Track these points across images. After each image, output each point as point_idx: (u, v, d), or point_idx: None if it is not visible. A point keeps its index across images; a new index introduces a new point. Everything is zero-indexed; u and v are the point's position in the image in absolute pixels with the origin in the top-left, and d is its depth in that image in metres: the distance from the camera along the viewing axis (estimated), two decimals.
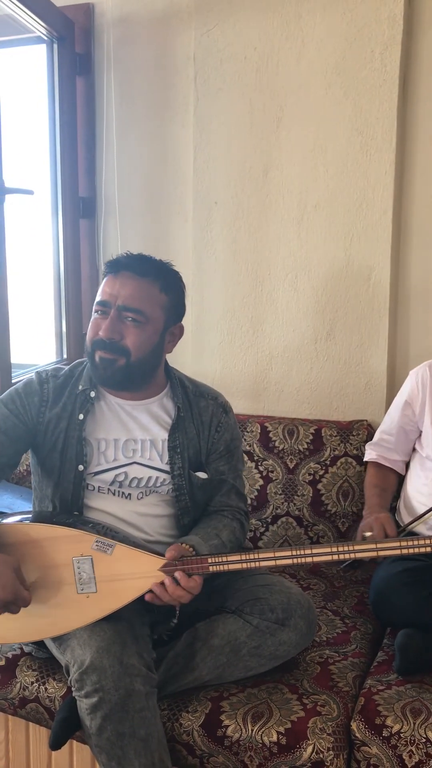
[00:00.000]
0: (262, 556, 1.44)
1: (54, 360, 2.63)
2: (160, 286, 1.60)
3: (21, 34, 2.43)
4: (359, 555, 1.44)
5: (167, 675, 1.53)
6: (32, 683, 1.63)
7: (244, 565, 1.44)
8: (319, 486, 2.18)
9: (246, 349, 2.45)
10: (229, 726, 1.47)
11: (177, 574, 1.43)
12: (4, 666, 1.67)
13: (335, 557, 1.43)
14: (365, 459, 2.06)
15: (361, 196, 2.23)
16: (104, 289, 1.60)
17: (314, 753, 1.41)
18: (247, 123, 2.32)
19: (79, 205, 2.57)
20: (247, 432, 2.25)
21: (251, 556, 1.44)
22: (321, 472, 2.18)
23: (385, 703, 1.47)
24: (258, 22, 2.25)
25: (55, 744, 1.50)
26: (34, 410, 1.62)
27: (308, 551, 1.43)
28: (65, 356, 2.63)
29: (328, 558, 1.43)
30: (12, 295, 2.19)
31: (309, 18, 2.20)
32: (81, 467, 1.61)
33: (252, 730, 1.45)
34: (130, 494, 1.63)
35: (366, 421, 2.23)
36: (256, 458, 2.23)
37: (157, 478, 1.64)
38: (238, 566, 1.45)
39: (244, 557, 1.44)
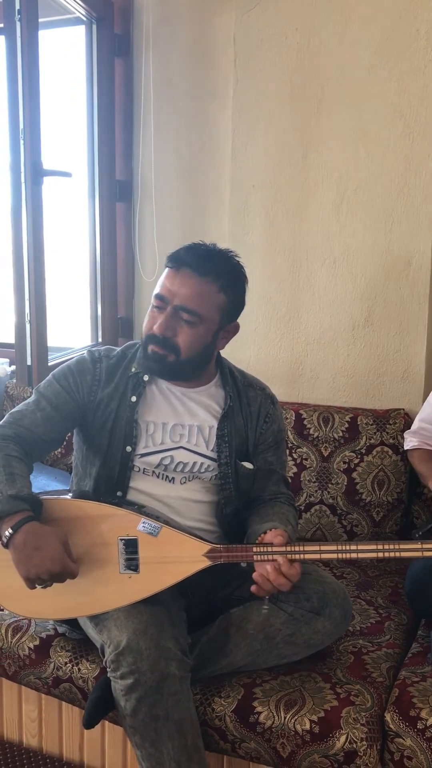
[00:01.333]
0: (307, 548, 1.42)
1: (89, 343, 2.64)
2: (220, 286, 1.57)
3: (60, 15, 2.42)
4: (405, 554, 1.41)
5: (201, 659, 1.54)
6: (66, 663, 1.64)
7: (289, 556, 1.42)
8: (354, 475, 2.16)
9: (282, 335, 2.42)
10: (261, 713, 1.47)
11: (280, 560, 1.41)
12: (39, 646, 1.68)
13: (380, 555, 1.41)
14: (406, 447, 2.02)
15: (402, 180, 2.19)
16: (164, 283, 1.57)
17: (347, 743, 1.40)
18: (287, 105, 2.28)
19: (116, 188, 2.57)
20: (286, 431, 2.23)
21: (295, 548, 1.42)
22: (356, 461, 2.16)
23: (420, 695, 1.45)
24: (299, 2, 2.21)
25: (89, 723, 1.52)
26: (86, 388, 1.63)
27: (353, 547, 1.41)
28: (100, 339, 2.64)
29: (373, 555, 1.41)
30: (49, 278, 2.20)
31: None
32: (129, 448, 1.61)
33: (285, 718, 1.45)
34: (173, 478, 1.64)
35: (403, 410, 2.20)
36: (290, 445, 2.22)
37: (201, 464, 1.64)
38: (281, 557, 1.43)
39: (288, 548, 1.42)
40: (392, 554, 1.41)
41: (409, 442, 2.00)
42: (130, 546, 1.48)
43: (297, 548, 1.43)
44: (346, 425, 2.19)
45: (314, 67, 2.23)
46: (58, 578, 1.40)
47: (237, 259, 1.64)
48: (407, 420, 2.15)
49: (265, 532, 1.49)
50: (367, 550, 1.42)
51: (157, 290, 1.58)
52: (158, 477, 1.64)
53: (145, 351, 1.60)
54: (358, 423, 2.18)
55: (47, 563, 1.37)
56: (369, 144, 2.21)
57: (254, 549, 1.44)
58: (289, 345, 2.42)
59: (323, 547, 1.43)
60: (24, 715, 1.84)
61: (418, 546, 1.40)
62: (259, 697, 1.49)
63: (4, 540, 1.40)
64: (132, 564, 1.48)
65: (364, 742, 1.40)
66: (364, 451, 2.16)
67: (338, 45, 2.19)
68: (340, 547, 1.42)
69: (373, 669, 1.56)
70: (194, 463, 1.63)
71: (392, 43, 2.13)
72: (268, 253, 2.39)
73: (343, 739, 1.41)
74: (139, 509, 1.55)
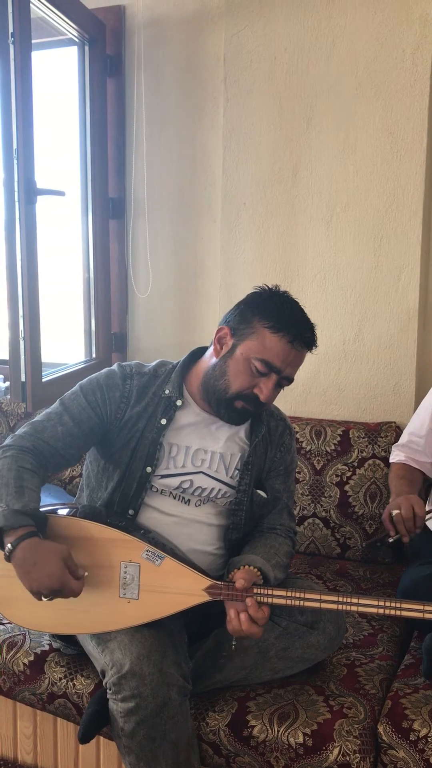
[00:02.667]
0: (307, 596, 1.42)
1: (83, 359, 2.66)
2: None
3: (53, 37, 2.45)
4: (405, 614, 1.39)
5: (195, 674, 1.54)
6: (60, 679, 1.65)
7: (288, 602, 1.42)
8: (347, 488, 2.18)
9: None
10: (255, 726, 1.47)
11: (248, 602, 1.40)
12: (33, 662, 1.69)
13: (380, 611, 1.40)
14: (392, 460, 2.03)
15: (390, 197, 2.22)
16: (279, 355, 1.52)
17: (340, 755, 1.41)
18: (277, 124, 2.32)
19: (109, 205, 2.60)
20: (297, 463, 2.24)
21: (297, 595, 1.42)
22: (348, 474, 2.18)
23: (413, 707, 1.46)
24: (288, 23, 2.25)
25: (84, 737, 1.52)
26: (113, 406, 1.60)
27: (354, 600, 1.40)
28: (94, 355, 2.65)
29: (374, 611, 1.40)
30: (43, 295, 2.22)
31: (339, 18, 2.19)
32: (149, 469, 1.60)
33: (278, 731, 1.45)
34: (189, 500, 1.63)
35: (395, 422, 2.22)
36: (296, 477, 2.23)
37: (219, 489, 1.63)
38: (282, 602, 1.43)
39: (289, 594, 1.42)
40: (393, 612, 1.39)
41: (396, 456, 2.01)
42: (132, 571, 1.48)
43: (297, 594, 1.42)
44: (338, 438, 2.21)
45: (303, 87, 2.27)
46: (59, 594, 1.39)
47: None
48: (398, 432, 2.17)
49: (239, 568, 1.48)
50: (368, 605, 1.40)
51: (268, 357, 1.51)
52: (174, 498, 1.63)
53: (229, 403, 1.56)
54: (350, 436, 2.20)
55: (45, 579, 1.36)
56: (357, 161, 2.24)
57: (254, 590, 1.43)
58: None
59: (324, 597, 1.42)
60: (19, 731, 1.84)
61: (420, 607, 1.39)
62: (253, 711, 1.50)
63: (6, 554, 1.40)
64: (132, 590, 1.48)
65: (358, 755, 1.41)
66: (356, 464, 2.18)
67: (326, 65, 2.23)
68: (324, 597, 1.41)
69: (366, 681, 1.57)
70: (212, 489, 1.63)
71: (379, 63, 2.17)
72: (259, 269, 2.42)
73: (336, 751, 1.41)
74: (145, 535, 1.55)
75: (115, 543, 1.49)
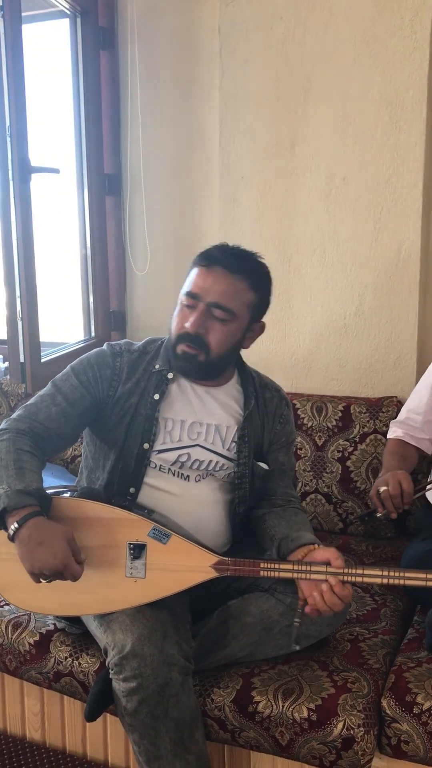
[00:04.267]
0: (314, 568, 1.43)
1: (83, 338, 2.65)
2: (250, 284, 1.57)
3: (44, 9, 2.40)
4: (409, 582, 1.42)
5: (200, 651, 1.55)
6: (66, 658, 1.66)
7: (295, 575, 1.44)
8: (348, 463, 2.17)
9: (273, 325, 2.43)
10: (260, 702, 1.49)
11: (331, 581, 1.41)
12: (39, 641, 1.70)
13: (384, 581, 1.42)
14: (389, 436, 2.02)
15: (390, 168, 2.19)
16: (196, 281, 1.56)
17: (345, 729, 1.42)
18: (274, 96, 2.28)
19: (105, 181, 2.57)
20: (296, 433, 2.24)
21: (304, 567, 1.44)
22: (350, 449, 2.17)
23: (416, 681, 1.47)
24: None
25: (90, 716, 1.54)
26: (105, 384, 1.62)
27: (359, 571, 1.42)
28: (93, 334, 2.64)
29: (377, 581, 1.42)
30: (40, 274, 2.20)
31: None
32: (146, 445, 1.61)
33: (283, 707, 1.47)
34: (188, 476, 1.64)
35: (396, 397, 2.21)
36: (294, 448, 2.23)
37: (217, 462, 1.64)
38: (288, 575, 1.44)
39: (296, 567, 1.44)
40: (397, 581, 1.42)
41: (393, 432, 2.00)
42: (138, 551, 1.48)
43: (304, 567, 1.44)
44: (340, 414, 2.20)
45: (300, 57, 2.23)
46: (60, 575, 1.39)
47: (263, 260, 1.64)
48: (400, 407, 2.16)
49: (304, 544, 1.50)
50: (372, 575, 1.42)
51: (187, 288, 1.57)
52: (174, 474, 1.63)
53: (174, 350, 1.59)
54: (352, 411, 2.19)
55: (49, 559, 1.36)
56: (356, 133, 2.21)
57: (261, 564, 1.44)
58: (281, 335, 2.42)
59: (329, 569, 1.43)
60: (26, 709, 1.86)
61: (423, 575, 1.40)
62: (258, 687, 1.51)
63: (10, 533, 1.40)
64: (138, 569, 1.48)
65: (362, 728, 1.42)
66: (357, 440, 2.17)
67: (323, 34, 2.19)
68: (329, 569, 1.42)
69: (369, 656, 1.58)
70: (210, 461, 1.64)
71: (377, 31, 2.13)
72: (258, 243, 2.37)
73: (340, 725, 1.42)
74: (149, 515, 1.55)
75: (121, 522, 1.50)
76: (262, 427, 1.69)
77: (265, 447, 1.70)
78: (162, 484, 1.63)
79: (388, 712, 1.45)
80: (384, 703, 1.46)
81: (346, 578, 1.42)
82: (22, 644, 1.71)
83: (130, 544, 1.49)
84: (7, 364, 2.76)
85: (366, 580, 1.43)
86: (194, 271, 1.58)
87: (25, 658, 1.71)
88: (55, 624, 1.73)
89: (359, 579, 1.42)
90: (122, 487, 1.63)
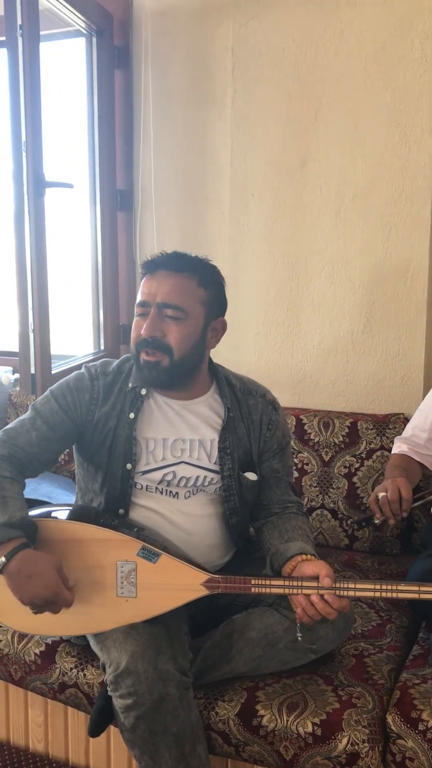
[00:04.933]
0: (305, 584, 1.43)
1: (92, 351, 2.67)
2: (198, 281, 1.59)
3: (61, 28, 2.45)
4: (402, 595, 1.42)
5: (204, 665, 1.55)
6: (71, 669, 1.67)
7: (286, 591, 1.43)
8: (355, 479, 2.18)
9: (282, 341, 2.45)
10: (264, 716, 1.49)
11: (327, 596, 1.40)
12: (45, 651, 1.71)
13: (377, 594, 1.41)
14: (394, 451, 2.02)
15: (399, 188, 2.21)
16: (143, 290, 1.59)
17: (349, 744, 1.42)
18: (285, 115, 2.31)
19: (117, 197, 2.60)
20: (290, 435, 2.25)
21: (295, 584, 1.43)
22: (356, 465, 2.18)
23: (421, 697, 1.47)
24: (296, 14, 2.24)
25: (94, 732, 1.54)
26: (83, 408, 1.62)
27: (351, 585, 1.41)
28: (102, 347, 2.66)
29: (370, 594, 1.41)
30: (51, 287, 2.23)
31: (348, 9, 2.18)
32: (129, 466, 1.60)
33: (287, 721, 1.47)
34: (177, 493, 1.63)
35: (403, 414, 2.22)
36: (291, 450, 2.24)
37: (204, 477, 1.63)
38: (279, 591, 1.44)
39: (287, 584, 1.43)
40: (389, 594, 1.41)
41: (398, 447, 2.00)
42: (129, 571, 1.49)
43: (295, 583, 1.43)
44: (347, 430, 2.21)
45: (311, 77, 2.26)
46: (52, 605, 1.40)
47: (210, 261, 1.65)
48: (407, 424, 2.17)
49: (292, 557, 1.50)
50: (364, 589, 1.42)
51: (138, 299, 1.59)
52: (162, 493, 1.62)
53: (137, 363, 1.59)
54: (358, 428, 2.20)
55: (40, 590, 1.38)
56: (366, 152, 2.23)
57: (252, 581, 1.44)
58: (289, 351, 2.44)
59: (305, 583, 1.43)
60: (30, 720, 1.86)
61: (416, 588, 1.40)
62: (262, 701, 1.51)
63: None
64: (129, 588, 1.48)
65: (366, 744, 1.42)
66: (364, 456, 2.18)
67: (335, 55, 2.22)
68: (321, 584, 1.42)
69: (374, 671, 1.58)
70: (197, 477, 1.63)
71: (388, 53, 2.16)
72: (267, 260, 2.42)
73: (345, 741, 1.42)
74: (139, 533, 1.54)
75: (109, 543, 1.50)
76: (248, 436, 1.67)
77: (256, 456, 1.68)
78: (151, 503, 1.62)
79: (393, 728, 1.45)
80: (389, 719, 1.46)
81: (338, 593, 1.41)
82: (27, 654, 1.72)
83: (119, 563, 1.49)
84: (17, 375, 2.79)
85: (359, 594, 1.42)
86: (141, 282, 1.60)
87: (31, 668, 1.71)
88: (61, 636, 1.73)
89: (351, 593, 1.41)
90: (112, 509, 1.63)
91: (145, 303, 1.57)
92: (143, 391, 1.63)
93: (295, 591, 1.43)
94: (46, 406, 1.62)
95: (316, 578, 1.43)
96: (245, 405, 1.68)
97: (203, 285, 1.59)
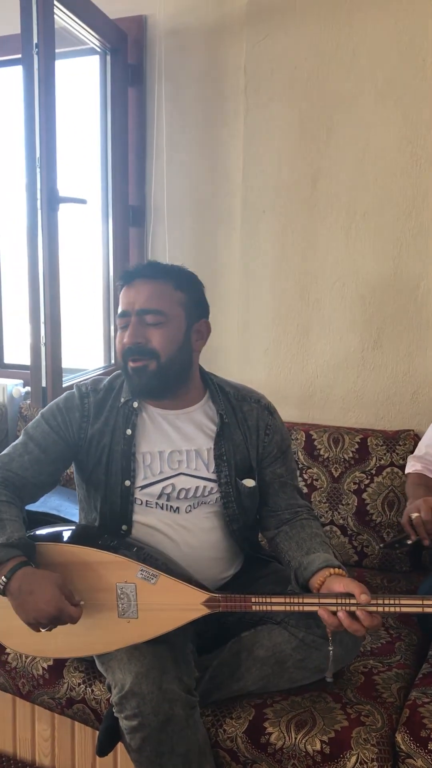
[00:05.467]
0: (306, 600, 1.41)
1: (102, 365, 2.68)
2: (174, 285, 1.59)
3: (75, 46, 2.48)
4: (405, 610, 1.39)
5: (212, 683, 1.54)
6: (79, 684, 1.66)
7: (287, 608, 1.41)
8: (364, 495, 2.18)
9: (292, 356, 2.46)
10: (272, 733, 1.48)
11: (359, 613, 1.35)
12: (53, 666, 1.70)
13: (379, 609, 1.37)
14: (408, 471, 2.03)
15: (410, 205, 2.22)
16: (122, 301, 1.60)
17: (358, 763, 1.41)
18: (297, 133, 2.33)
19: (129, 213, 2.62)
20: (292, 440, 2.26)
21: (295, 600, 1.41)
22: (366, 482, 2.18)
23: (431, 716, 1.46)
24: (309, 33, 2.26)
25: (101, 751, 1.53)
26: (75, 426, 1.62)
27: (353, 600, 1.38)
28: (113, 361, 2.67)
29: (372, 609, 1.37)
30: (63, 301, 2.24)
31: (360, 28, 2.21)
32: (128, 482, 1.60)
33: (295, 738, 1.46)
34: (178, 507, 1.61)
35: (413, 431, 2.22)
36: (300, 466, 2.24)
37: (204, 487, 1.62)
38: (281, 608, 1.42)
39: (287, 600, 1.42)
40: (392, 609, 1.38)
41: (412, 466, 2.00)
42: (129, 592, 1.48)
43: (296, 600, 1.41)
44: (356, 446, 2.21)
45: (323, 96, 2.28)
46: (57, 621, 1.39)
47: (185, 268, 1.66)
48: (417, 441, 2.17)
49: (319, 570, 1.46)
50: (372, 604, 1.38)
51: (119, 311, 1.61)
52: (162, 508, 1.61)
53: (126, 373, 1.59)
54: (368, 444, 2.20)
55: (43, 607, 1.36)
56: (377, 170, 2.25)
57: (253, 599, 1.43)
58: (299, 366, 2.45)
59: (322, 600, 1.40)
60: (37, 734, 1.85)
61: (419, 602, 1.38)
62: (270, 718, 1.50)
63: (0, 588, 1.40)
64: (130, 610, 1.48)
65: (375, 763, 1.41)
66: (374, 472, 2.18)
67: (346, 74, 2.24)
68: (322, 600, 1.40)
69: (383, 689, 1.57)
70: (197, 488, 1.62)
71: (399, 73, 2.18)
72: (278, 276, 2.43)
73: (354, 759, 1.41)
74: (139, 551, 1.53)
75: (108, 566, 1.49)
76: (245, 442, 1.66)
77: (255, 462, 1.67)
78: (151, 521, 1.61)
79: (402, 747, 1.44)
80: (398, 737, 1.45)
81: (341, 608, 1.37)
82: (35, 668, 1.72)
83: (119, 585, 1.48)
84: (27, 389, 2.81)
85: (360, 609, 1.38)
86: (121, 294, 1.62)
87: (39, 682, 1.71)
88: (65, 657, 1.73)
89: (354, 608, 1.38)
90: (114, 526, 1.62)
91: (126, 313, 1.59)
92: (135, 404, 1.63)
93: (296, 608, 1.41)
94: (38, 429, 1.62)
95: (317, 596, 1.41)
96: (240, 411, 1.68)
97: (180, 288, 1.60)
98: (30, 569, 1.41)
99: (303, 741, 1.45)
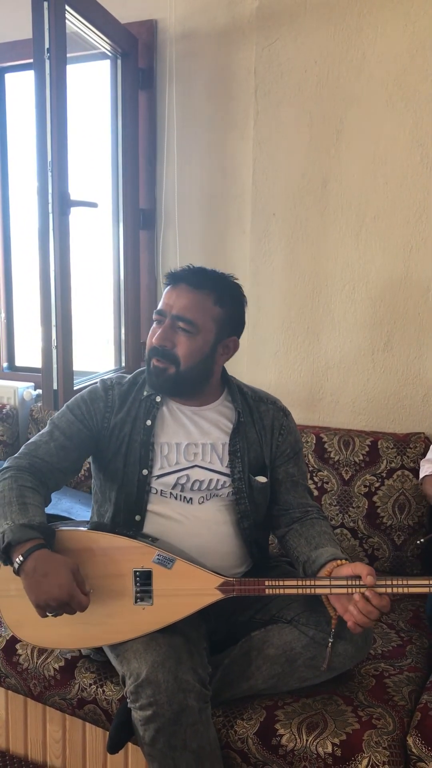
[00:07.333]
0: (317, 583, 1.44)
1: (113, 368, 2.69)
2: (214, 299, 1.63)
3: (87, 51, 2.49)
4: (413, 590, 1.41)
5: (222, 682, 1.55)
6: (90, 685, 1.67)
7: (300, 591, 1.44)
8: (375, 498, 2.17)
9: (302, 359, 2.46)
10: (283, 735, 1.48)
11: (368, 593, 1.40)
12: (64, 667, 1.71)
13: (389, 590, 1.41)
14: (423, 474, 2.03)
15: (420, 207, 2.22)
16: (163, 300, 1.66)
17: (370, 766, 1.41)
18: (307, 135, 2.34)
19: (140, 216, 2.63)
20: (302, 442, 2.26)
21: (307, 583, 1.44)
22: (377, 485, 2.17)
23: None
24: (319, 36, 2.27)
25: (113, 748, 1.54)
26: (99, 416, 1.68)
27: (361, 582, 1.41)
28: (123, 364, 2.68)
29: (382, 590, 1.40)
30: (74, 304, 2.25)
31: (370, 31, 2.21)
32: (145, 471, 1.65)
33: (307, 741, 1.46)
34: (191, 498, 1.66)
35: (423, 433, 2.22)
36: (311, 469, 2.24)
37: (218, 480, 1.67)
38: (293, 591, 1.45)
39: (300, 583, 1.44)
40: (401, 590, 1.41)
41: (427, 469, 2.00)
42: (144, 578, 1.50)
43: (308, 582, 1.44)
44: (367, 449, 2.21)
45: (333, 99, 2.29)
46: (66, 607, 1.40)
47: (235, 280, 1.70)
48: (428, 444, 2.17)
49: (326, 562, 1.51)
50: (379, 585, 1.41)
51: (158, 306, 1.66)
52: (176, 498, 1.66)
53: (148, 368, 1.66)
54: (379, 447, 2.20)
55: (55, 590, 1.38)
56: (387, 173, 2.25)
57: (266, 583, 1.45)
58: (309, 369, 2.45)
59: (333, 582, 1.43)
60: (48, 735, 1.86)
61: (426, 582, 1.40)
62: (281, 720, 1.50)
63: (15, 567, 1.42)
64: (146, 596, 1.49)
65: (387, 766, 1.40)
66: (384, 475, 2.17)
67: (357, 77, 2.24)
68: (333, 583, 1.43)
69: (394, 692, 1.57)
70: (210, 480, 1.66)
71: (409, 76, 2.18)
72: (288, 279, 2.43)
73: (365, 762, 1.41)
74: (153, 542, 1.56)
75: (124, 551, 1.51)
76: (259, 441, 1.71)
77: (269, 461, 1.72)
78: (165, 510, 1.65)
79: (414, 750, 1.43)
80: (410, 741, 1.45)
81: (351, 591, 1.41)
82: (47, 669, 1.72)
83: (135, 571, 1.50)
84: (38, 391, 2.82)
85: (370, 589, 1.41)
86: (164, 292, 1.67)
87: (50, 683, 1.72)
88: (80, 651, 1.74)
89: (363, 590, 1.41)
90: (128, 516, 1.66)
91: (162, 312, 1.64)
92: (158, 398, 1.69)
93: (308, 590, 1.44)
94: (63, 418, 1.69)
95: (327, 579, 1.45)
96: (256, 411, 1.74)
97: (219, 303, 1.64)
98: (47, 552, 1.43)
99: (314, 743, 1.45)
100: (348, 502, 2.20)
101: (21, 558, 1.41)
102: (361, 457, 2.21)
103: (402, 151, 2.22)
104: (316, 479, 2.23)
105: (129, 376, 1.76)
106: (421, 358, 2.29)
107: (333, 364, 2.41)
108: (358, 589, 1.41)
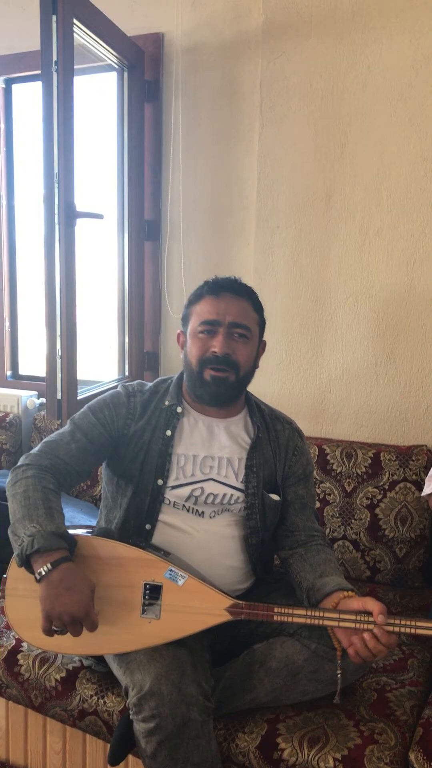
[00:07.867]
0: (326, 615, 1.43)
1: (117, 377, 2.69)
2: (252, 305, 1.69)
3: (94, 63, 2.51)
4: (420, 632, 1.40)
5: (224, 695, 1.55)
6: (91, 696, 1.66)
7: (307, 620, 1.43)
8: (377, 510, 2.17)
9: (305, 371, 2.46)
10: (285, 749, 1.47)
11: (377, 631, 1.39)
12: (65, 677, 1.71)
13: (399, 629, 1.39)
14: (426, 492, 2.01)
15: (424, 221, 2.23)
16: (209, 309, 1.65)
17: None
18: (311, 149, 2.35)
19: (145, 227, 2.64)
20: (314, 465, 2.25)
21: (316, 614, 1.43)
22: (379, 497, 2.17)
23: None
24: (324, 51, 2.28)
25: (114, 759, 1.53)
26: (120, 422, 1.68)
27: (371, 619, 1.40)
28: (127, 373, 2.69)
29: (390, 628, 1.39)
30: (79, 314, 2.26)
31: (375, 46, 2.22)
32: (160, 481, 1.65)
33: (308, 755, 1.45)
34: (203, 512, 1.66)
35: (426, 446, 2.22)
36: (313, 480, 2.24)
37: (231, 495, 1.67)
38: (301, 620, 1.44)
39: (308, 613, 1.44)
40: (410, 630, 1.40)
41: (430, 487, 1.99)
42: (154, 591, 1.49)
43: (317, 613, 1.43)
44: (369, 461, 2.21)
45: (338, 112, 2.30)
46: (77, 624, 1.41)
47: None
48: (430, 456, 2.17)
49: (331, 592, 1.50)
50: (389, 624, 1.39)
51: (204, 317, 1.65)
52: (188, 511, 1.66)
53: (201, 379, 1.64)
54: (381, 459, 2.20)
55: (74, 606, 1.38)
56: (391, 186, 2.26)
57: (275, 609, 1.45)
58: (312, 380, 2.45)
59: (342, 615, 1.42)
60: (48, 746, 1.85)
61: None
62: (283, 734, 1.50)
63: (42, 573, 1.41)
64: (153, 609, 1.49)
65: None
66: (387, 487, 2.17)
67: (361, 91, 2.26)
68: (342, 616, 1.42)
69: (396, 707, 1.56)
70: (224, 495, 1.66)
71: (414, 90, 2.19)
72: (291, 291, 2.44)
73: None
74: (166, 555, 1.57)
75: (137, 563, 1.51)
76: (273, 458, 1.72)
77: (280, 479, 1.73)
78: (175, 521, 1.66)
79: (416, 766, 1.43)
80: (412, 756, 1.44)
81: (359, 626, 1.40)
82: (48, 680, 1.72)
83: (146, 584, 1.50)
84: (42, 400, 2.82)
85: (378, 627, 1.39)
86: (202, 304, 1.67)
87: (51, 694, 1.71)
88: (81, 661, 1.74)
89: (371, 626, 1.40)
90: (138, 525, 1.66)
91: (216, 322, 1.64)
92: (179, 409, 1.69)
93: (316, 621, 1.43)
94: (85, 419, 1.69)
95: (337, 611, 1.43)
96: (273, 429, 1.75)
97: (255, 309, 1.70)
98: (74, 566, 1.44)
99: (316, 758, 1.45)
100: (350, 514, 2.20)
101: (49, 567, 1.41)
102: (364, 469, 2.21)
103: (406, 164, 2.23)
104: (318, 491, 2.23)
105: (150, 385, 1.76)
106: (424, 371, 2.29)
107: (336, 375, 2.42)
108: (366, 625, 1.40)
